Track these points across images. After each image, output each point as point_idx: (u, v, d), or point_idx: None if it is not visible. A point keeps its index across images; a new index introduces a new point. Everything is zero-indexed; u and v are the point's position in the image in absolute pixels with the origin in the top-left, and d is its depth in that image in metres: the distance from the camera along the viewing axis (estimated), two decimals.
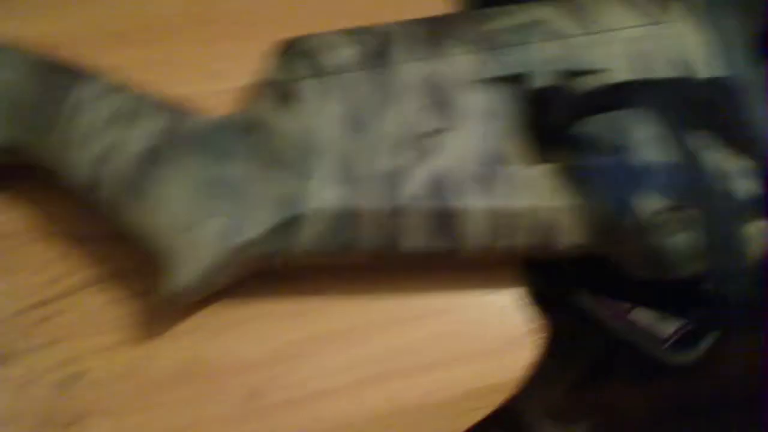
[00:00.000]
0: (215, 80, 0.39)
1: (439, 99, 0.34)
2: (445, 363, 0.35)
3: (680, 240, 0.32)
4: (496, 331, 0.35)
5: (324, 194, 0.31)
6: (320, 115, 0.33)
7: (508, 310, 0.36)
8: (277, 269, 0.34)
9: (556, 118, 0.33)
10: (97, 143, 0.31)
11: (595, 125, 0.34)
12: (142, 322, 0.33)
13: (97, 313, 0.33)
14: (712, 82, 0.33)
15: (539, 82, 0.35)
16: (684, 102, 0.31)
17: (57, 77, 0.33)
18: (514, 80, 0.35)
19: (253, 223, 0.31)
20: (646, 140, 0.33)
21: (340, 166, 0.32)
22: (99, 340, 0.33)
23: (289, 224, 0.31)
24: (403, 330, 0.35)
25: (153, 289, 0.34)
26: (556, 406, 0.46)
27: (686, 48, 0.36)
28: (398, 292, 0.35)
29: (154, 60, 0.39)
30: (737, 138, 0.31)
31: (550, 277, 0.37)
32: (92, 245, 0.35)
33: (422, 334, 0.35)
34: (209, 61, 0.40)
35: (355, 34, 0.36)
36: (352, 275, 0.35)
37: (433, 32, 0.36)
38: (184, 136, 0.32)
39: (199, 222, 0.30)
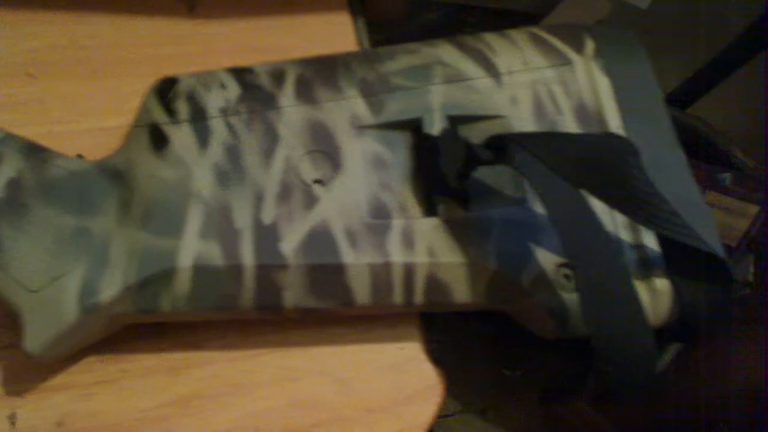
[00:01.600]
0: (87, 118, 0.38)
1: (326, 145, 0.33)
2: (337, 419, 0.33)
3: (572, 300, 0.30)
4: (393, 386, 0.34)
5: (195, 249, 0.30)
6: (197, 162, 0.31)
7: (408, 364, 0.34)
8: (155, 322, 0.32)
9: (443, 166, 0.32)
10: None
11: (490, 176, 0.32)
12: (9, 377, 0.32)
13: None
14: (610, 139, 0.31)
15: (432, 128, 0.33)
16: (581, 157, 0.29)
17: None
18: (405, 126, 0.34)
19: (113, 281, 0.29)
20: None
21: (215, 219, 0.30)
22: None
23: (155, 282, 0.29)
24: (293, 386, 0.33)
25: (18, 343, 0.32)
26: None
27: (595, 93, 0.35)
28: (288, 345, 0.34)
29: (23, 97, 0.38)
30: (633, 198, 0.29)
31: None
32: None
33: (315, 390, 0.33)
34: (80, 99, 0.38)
35: (241, 73, 0.34)
36: (238, 328, 0.34)
37: (326, 73, 0.35)
38: (47, 183, 0.31)
39: (53, 281, 0.29)
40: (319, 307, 0.31)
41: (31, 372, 0.32)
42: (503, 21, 0.63)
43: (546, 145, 0.30)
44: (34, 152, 0.32)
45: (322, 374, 0.34)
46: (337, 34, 0.42)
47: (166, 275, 0.29)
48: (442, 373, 0.34)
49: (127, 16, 0.41)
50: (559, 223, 0.28)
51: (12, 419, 0.31)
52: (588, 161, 0.29)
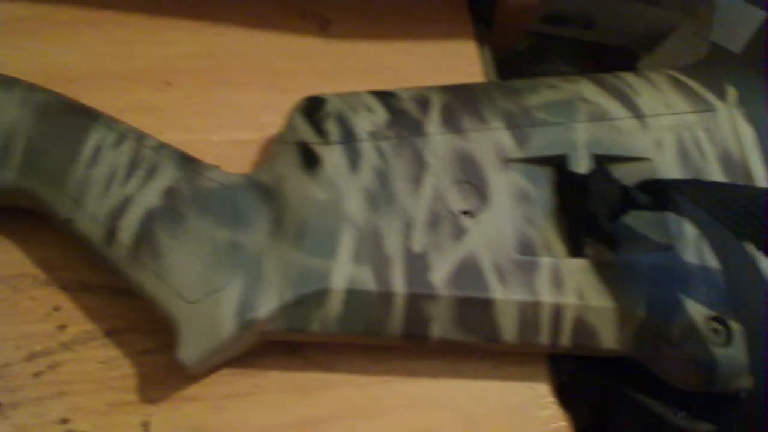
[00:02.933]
0: (221, 129, 0.38)
1: (473, 176, 0.33)
2: None
3: (722, 354, 0.30)
4: (520, 427, 0.33)
5: (349, 272, 0.30)
6: (348, 185, 0.31)
7: (536, 405, 0.34)
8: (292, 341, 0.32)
9: (594, 208, 0.31)
10: (114, 195, 0.30)
11: (638, 219, 0.32)
12: (144, 384, 0.32)
13: (99, 368, 0.32)
14: (762, 193, 0.31)
15: (578, 166, 0.33)
16: (733, 207, 0.29)
17: (71, 119, 0.32)
18: (550, 162, 0.34)
19: (269, 298, 0.29)
20: (691, 242, 0.31)
21: (366, 243, 0.30)
22: (98, 398, 0.31)
23: (308, 302, 0.29)
24: (418, 416, 0.33)
25: (157, 348, 0.32)
26: None
27: (739, 142, 0.34)
28: (416, 375, 0.34)
29: (158, 103, 0.38)
30: None
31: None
32: (98, 296, 0.33)
33: (440, 423, 0.33)
34: (214, 109, 0.39)
35: (386, 97, 0.34)
36: (368, 352, 0.33)
37: (470, 102, 0.35)
38: (201, 195, 0.31)
39: (211, 293, 0.29)
40: (465, 340, 0.30)
41: (166, 380, 0.32)
42: (598, 55, 0.63)
43: (706, 193, 0.30)
44: (187, 162, 0.32)
45: (448, 408, 0.33)
46: (463, 63, 0.42)
47: (319, 296, 0.29)
48: (572, 416, 0.33)
49: (260, 30, 0.41)
50: (729, 274, 0.28)
51: (145, 426, 0.31)
52: (748, 213, 0.29)
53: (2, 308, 0.33)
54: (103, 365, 0.32)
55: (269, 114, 0.39)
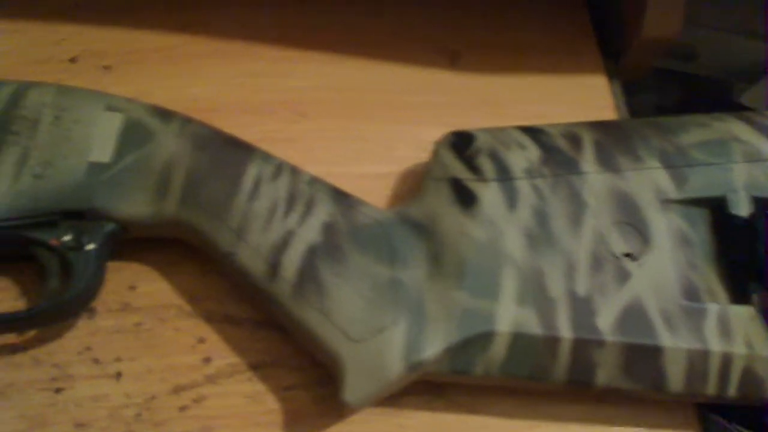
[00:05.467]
0: (357, 162, 0.38)
1: (633, 217, 0.31)
2: None
3: None
4: None
5: (513, 315, 0.29)
6: (507, 223, 0.31)
7: None
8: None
9: (756, 252, 0.30)
10: (276, 229, 0.30)
11: None
12: (289, 420, 0.31)
13: (244, 403, 0.31)
14: None
15: (738, 208, 0.32)
16: None
17: (229, 152, 0.32)
18: (707, 203, 0.32)
19: (435, 339, 0.28)
20: None
21: (529, 284, 0.29)
22: None
23: (473, 344, 0.28)
24: None
25: (302, 384, 0.32)
26: None
27: None
28: (564, 420, 0.32)
29: (292, 134, 0.38)
30: None
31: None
32: (242, 329, 0.33)
33: None
34: (347, 142, 0.38)
35: (536, 133, 0.34)
36: (515, 396, 0.32)
37: (622, 140, 0.34)
38: (358, 230, 0.30)
39: (376, 333, 0.28)
40: (630, 388, 0.29)
41: (312, 417, 0.31)
42: (691, 86, 0.62)
43: None
44: (341, 197, 0.31)
45: None
46: (594, 97, 0.42)
47: (484, 338, 0.28)
48: None
49: (390, 63, 0.41)
50: None
51: None
52: None
53: (148, 339, 0.33)
54: (248, 400, 0.32)
55: (403, 147, 0.38)
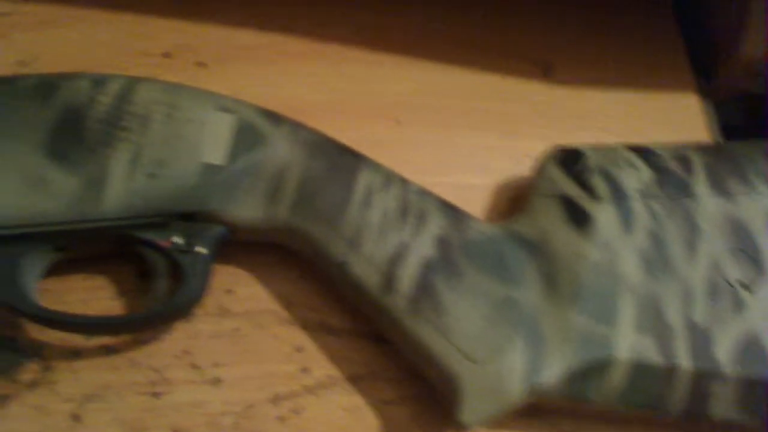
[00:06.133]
0: (451, 172, 0.37)
1: (747, 244, 0.31)
2: None
3: None
4: None
5: (631, 342, 0.28)
6: (623, 246, 0.30)
7: None
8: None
9: None
10: (390, 240, 0.29)
11: None
12: None
13: (343, 416, 0.31)
14: None
15: None
16: None
17: (341, 158, 0.31)
18: None
19: (553, 362, 0.28)
20: None
21: (647, 311, 0.29)
22: None
23: (591, 370, 0.28)
24: None
25: (401, 399, 0.31)
26: None
27: None
28: None
29: (389, 141, 0.37)
30: None
31: None
32: (340, 339, 0.32)
33: None
34: (442, 150, 0.38)
35: (647, 154, 0.33)
36: (612, 419, 0.32)
37: (732, 164, 0.33)
38: (471, 246, 0.30)
39: (496, 353, 0.27)
40: (745, 423, 0.28)
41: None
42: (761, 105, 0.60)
43: None
44: (450, 210, 0.31)
45: None
46: (685, 115, 0.41)
47: (602, 365, 0.28)
48: None
49: (484, 72, 0.41)
50: None
51: None
52: None
53: (246, 345, 0.32)
54: (347, 413, 0.31)
55: (498, 158, 0.38)
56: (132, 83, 0.31)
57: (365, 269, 0.29)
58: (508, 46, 0.41)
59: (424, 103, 0.39)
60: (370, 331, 0.32)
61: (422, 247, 0.29)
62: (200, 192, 0.29)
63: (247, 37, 0.39)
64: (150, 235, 0.29)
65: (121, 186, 0.29)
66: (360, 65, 0.39)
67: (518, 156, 0.37)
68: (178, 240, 0.29)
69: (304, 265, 0.33)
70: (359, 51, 0.39)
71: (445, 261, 0.29)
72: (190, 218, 0.30)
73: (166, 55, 0.38)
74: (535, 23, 0.42)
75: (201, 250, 0.30)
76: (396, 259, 0.29)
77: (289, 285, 0.33)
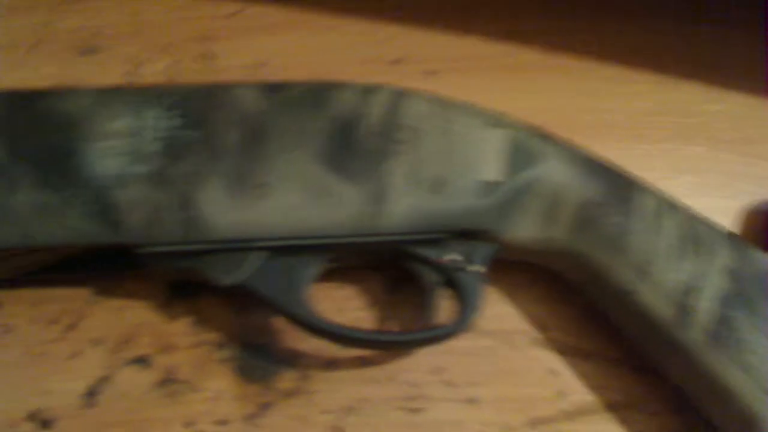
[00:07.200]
0: (703, 193, 0.36)
1: None
2: None
3: None
4: None
5: None
6: None
7: None
8: None
9: None
10: (682, 270, 0.28)
11: None
12: None
13: None
14: None
15: None
16: None
17: (620, 181, 0.30)
18: None
19: None
20: None
21: None
22: None
23: None
24: None
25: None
26: None
27: None
28: None
29: (634, 159, 0.36)
30: None
31: None
32: (596, 365, 0.31)
33: None
34: (694, 171, 0.36)
35: None
36: None
37: None
38: (760, 279, 0.28)
39: None
40: None
41: None
42: None
43: None
44: (734, 239, 0.29)
45: None
46: None
47: None
48: None
49: (712, 89, 0.38)
50: None
51: None
52: None
53: (500, 365, 0.31)
54: None
55: (741, 180, 0.36)
56: (399, 95, 0.30)
57: (656, 299, 0.27)
58: (735, 62, 0.39)
59: (666, 121, 0.37)
60: (628, 359, 0.31)
61: (716, 278, 0.28)
62: (479, 210, 0.28)
63: (479, 47, 0.38)
64: (426, 252, 0.29)
65: (402, 201, 0.28)
66: (598, 80, 0.38)
67: (761, 180, 0.36)
68: (454, 257, 0.29)
69: (558, 286, 0.32)
70: (601, 66, 0.38)
71: (741, 295, 0.27)
72: (465, 236, 0.29)
73: (395, 62, 0.38)
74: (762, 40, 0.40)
75: (478, 268, 0.29)
76: (689, 290, 0.27)
77: (539, 306, 0.32)
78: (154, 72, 0.36)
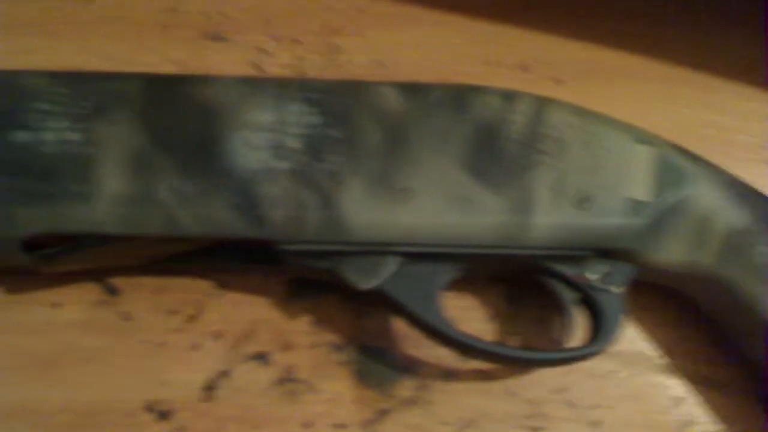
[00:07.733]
0: None
1: None
2: None
3: None
4: None
5: None
6: None
7: None
8: None
9: None
10: None
11: None
12: None
13: None
14: None
15: None
16: None
17: (765, 207, 0.29)
18: None
19: None
20: None
21: None
22: None
23: None
24: None
25: None
26: None
27: None
28: None
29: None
30: None
31: None
32: (725, 395, 0.31)
33: None
34: None
35: None
36: None
37: None
38: None
39: None
40: None
41: None
42: None
43: None
44: None
45: None
46: None
47: None
48: None
49: None
50: None
51: None
52: None
53: (623, 388, 0.31)
54: None
55: None
56: (542, 103, 0.29)
57: None
58: None
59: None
60: (757, 389, 0.30)
61: None
62: (625, 229, 0.27)
63: (608, 56, 0.37)
64: (564, 268, 0.28)
65: (548, 214, 0.27)
66: (724, 95, 0.36)
67: None
68: (593, 276, 0.28)
69: (688, 311, 0.31)
70: (720, 81, 0.37)
71: None
72: (607, 254, 0.28)
73: (522, 67, 0.36)
74: None
75: (617, 290, 0.28)
76: None
77: (666, 331, 0.31)
78: (281, 64, 0.35)
